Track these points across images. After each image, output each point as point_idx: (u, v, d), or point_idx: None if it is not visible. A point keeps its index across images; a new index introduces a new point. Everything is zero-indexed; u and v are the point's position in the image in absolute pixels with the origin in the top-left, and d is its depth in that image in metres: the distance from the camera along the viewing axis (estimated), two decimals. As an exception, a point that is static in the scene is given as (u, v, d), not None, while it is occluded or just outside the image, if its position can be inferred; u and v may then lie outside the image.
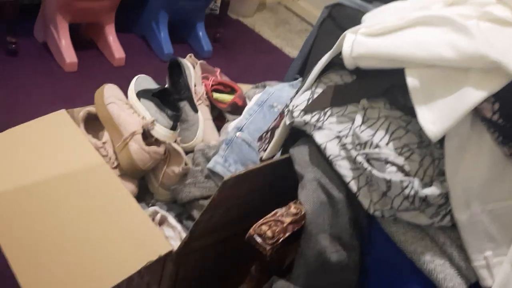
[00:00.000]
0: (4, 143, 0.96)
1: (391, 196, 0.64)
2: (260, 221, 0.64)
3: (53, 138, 0.99)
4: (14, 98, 1.68)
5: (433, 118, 0.62)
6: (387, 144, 0.67)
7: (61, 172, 0.94)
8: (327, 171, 0.70)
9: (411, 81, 0.64)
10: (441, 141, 0.65)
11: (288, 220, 0.65)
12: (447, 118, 0.61)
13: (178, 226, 0.92)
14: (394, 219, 0.67)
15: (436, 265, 0.65)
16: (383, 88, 0.71)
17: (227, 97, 1.19)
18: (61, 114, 1.04)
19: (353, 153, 0.68)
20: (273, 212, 0.66)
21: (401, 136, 0.68)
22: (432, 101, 0.63)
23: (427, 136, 0.63)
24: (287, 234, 0.64)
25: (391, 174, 0.64)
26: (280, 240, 0.63)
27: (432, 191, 0.63)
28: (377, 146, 0.66)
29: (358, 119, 0.70)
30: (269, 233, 0.62)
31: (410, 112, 0.68)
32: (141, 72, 1.15)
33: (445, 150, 0.64)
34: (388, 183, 0.64)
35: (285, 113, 0.79)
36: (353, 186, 0.68)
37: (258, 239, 0.63)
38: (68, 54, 1.86)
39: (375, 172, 0.64)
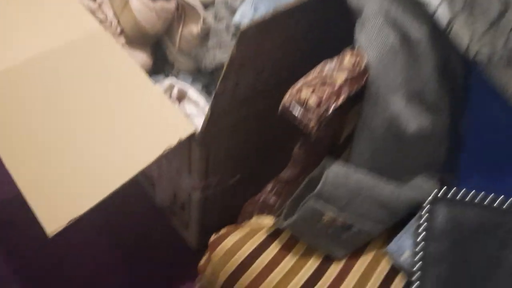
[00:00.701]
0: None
1: (505, 25, 0.40)
2: (299, 83, 0.43)
3: (39, 3, 0.80)
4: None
5: None
6: None
7: (52, 44, 0.76)
8: (398, -3, 0.46)
9: None
10: None
11: (341, 77, 0.44)
12: None
13: (201, 100, 0.74)
14: (508, 63, 0.44)
15: None
16: None
17: None
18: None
19: (443, -41, 0.42)
20: (318, 68, 0.45)
21: None
22: None
23: None
24: (341, 99, 0.43)
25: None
26: (331, 109, 0.42)
27: None
28: None
29: None
30: (312, 101, 0.41)
31: None
32: None
33: None
34: (502, 3, 0.39)
35: None
36: (443, 15, 0.44)
37: (297, 111, 0.42)
38: None
39: (482, -15, 0.40)
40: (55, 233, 0.61)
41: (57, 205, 0.63)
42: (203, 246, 0.64)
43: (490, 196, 0.47)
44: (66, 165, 0.67)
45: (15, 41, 0.76)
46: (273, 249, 0.51)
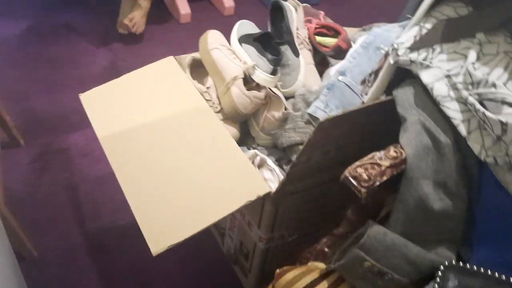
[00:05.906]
0: (119, 87, 1.04)
1: (506, 141, 0.57)
2: (356, 163, 0.62)
3: (162, 83, 1.05)
4: (131, 48, 1.80)
5: None
6: (505, 83, 0.59)
7: (169, 114, 0.99)
8: (433, 113, 0.65)
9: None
10: None
11: (386, 163, 0.62)
12: None
13: (277, 168, 0.93)
14: (510, 167, 0.60)
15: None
16: (504, 18, 0.62)
17: (331, 41, 1.14)
18: (170, 61, 1.09)
19: (464, 93, 0.61)
20: (370, 155, 0.63)
21: (524, 74, 0.60)
22: None
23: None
24: (384, 178, 0.61)
25: (508, 116, 0.57)
26: (377, 183, 0.61)
27: (558, 136, 0.55)
28: (493, 85, 0.59)
29: (472, 55, 0.62)
30: (364, 176, 0.60)
31: (537, 46, 0.59)
32: (250, 20, 1.14)
33: None
34: (504, 126, 0.57)
35: (390, 52, 0.73)
36: (463, 129, 0.62)
37: (353, 181, 0.60)
38: (183, 6, 1.95)
39: (489, 113, 0.58)
40: (158, 253, 0.80)
41: (161, 232, 0.82)
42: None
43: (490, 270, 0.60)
44: (172, 200, 0.86)
45: (149, 107, 1.00)
46: (324, 284, 0.67)
